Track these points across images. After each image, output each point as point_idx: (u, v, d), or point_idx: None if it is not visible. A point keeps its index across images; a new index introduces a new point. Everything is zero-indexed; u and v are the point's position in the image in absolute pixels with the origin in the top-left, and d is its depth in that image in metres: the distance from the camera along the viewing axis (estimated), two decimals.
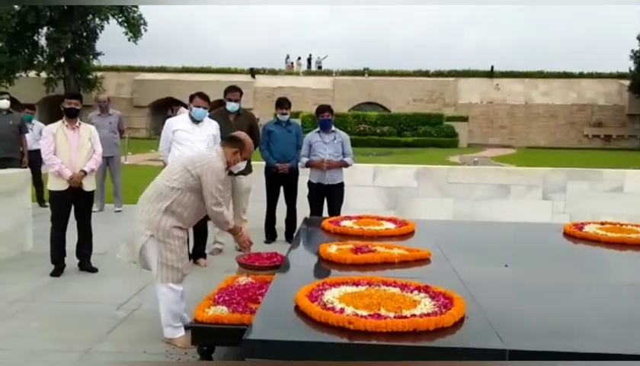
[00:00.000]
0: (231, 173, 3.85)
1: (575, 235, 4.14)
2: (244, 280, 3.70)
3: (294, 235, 5.46)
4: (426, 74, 38.30)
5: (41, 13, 26.58)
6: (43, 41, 28.94)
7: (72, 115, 5.15)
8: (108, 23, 29.24)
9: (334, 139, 6.21)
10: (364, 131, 29.37)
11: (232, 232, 3.83)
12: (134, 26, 28.99)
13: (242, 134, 3.83)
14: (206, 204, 3.56)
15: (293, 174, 6.46)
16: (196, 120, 5.23)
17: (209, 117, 5.43)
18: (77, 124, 5.19)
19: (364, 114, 31.34)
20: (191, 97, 5.23)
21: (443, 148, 27.74)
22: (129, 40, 29.23)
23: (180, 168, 3.59)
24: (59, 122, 5.18)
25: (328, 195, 6.20)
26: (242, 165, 3.77)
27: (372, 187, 7.58)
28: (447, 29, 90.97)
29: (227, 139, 3.82)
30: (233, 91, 5.86)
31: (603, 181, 7.48)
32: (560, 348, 2.18)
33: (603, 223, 4.41)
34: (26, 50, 28.49)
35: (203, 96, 5.20)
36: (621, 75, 35.91)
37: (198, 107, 5.15)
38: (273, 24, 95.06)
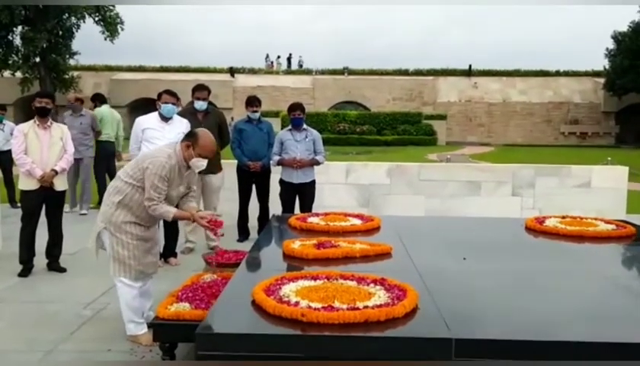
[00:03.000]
0: (188, 169, 3.76)
1: (536, 229, 4.23)
2: (209, 277, 3.72)
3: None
4: (405, 73, 38.56)
5: (15, 12, 26.17)
6: (17, 40, 28.51)
7: (43, 114, 5.12)
8: (84, 22, 28.90)
9: (306, 137, 6.25)
10: (344, 130, 29.46)
11: (182, 218, 3.70)
12: (111, 25, 28.65)
13: (202, 130, 3.64)
14: None
15: (265, 172, 6.48)
16: (165, 118, 5.23)
17: (178, 115, 5.43)
18: (48, 124, 5.16)
19: (344, 113, 31.43)
20: (159, 95, 5.22)
21: (422, 146, 27.92)
22: (105, 38, 28.90)
23: (134, 163, 3.59)
24: (31, 121, 5.16)
25: (300, 193, 6.25)
26: (202, 164, 3.58)
27: (345, 184, 7.64)
28: (427, 29, 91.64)
29: (186, 134, 3.76)
30: (201, 90, 5.86)
31: (571, 176, 7.63)
32: (508, 336, 2.25)
33: (563, 217, 4.51)
34: (0, 50, 28.04)
35: (170, 92, 5.20)
36: (596, 73, 36.54)
37: (166, 103, 5.15)
38: (254, 23, 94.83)
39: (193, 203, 3.76)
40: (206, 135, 3.58)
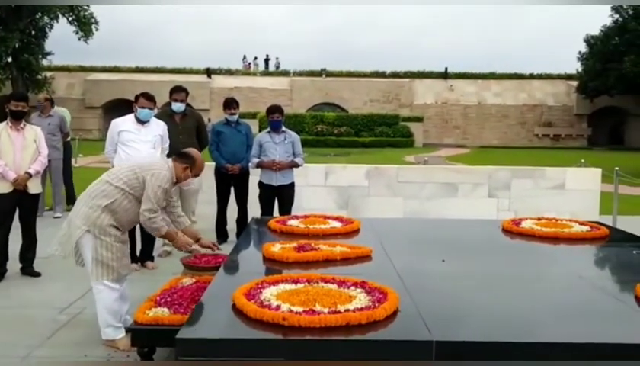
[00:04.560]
0: (174, 184, 3.81)
1: (513, 230, 4.30)
2: (187, 281, 3.70)
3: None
4: (382, 75, 38.75)
5: None
6: None
7: (18, 117, 5.05)
8: (57, 22, 28.41)
9: (285, 139, 6.24)
10: (322, 132, 29.49)
11: (166, 237, 3.78)
12: (85, 25, 28.23)
13: (194, 151, 3.85)
14: (141, 207, 3.51)
15: (244, 174, 6.45)
16: (142, 121, 5.16)
17: (155, 117, 5.37)
18: (22, 126, 5.09)
19: (322, 115, 31.45)
20: (136, 98, 5.15)
21: (399, 148, 28.12)
22: (79, 39, 28.46)
23: (129, 170, 3.59)
24: (4, 123, 5.07)
25: (279, 195, 6.22)
26: (192, 182, 3.78)
27: (325, 186, 7.64)
28: (404, 31, 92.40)
29: (179, 154, 3.82)
30: (178, 92, 5.80)
31: (545, 178, 7.75)
32: (487, 338, 2.27)
33: (539, 219, 4.59)
34: None
35: (147, 96, 5.13)
36: (569, 76, 37.22)
37: (143, 108, 5.08)
38: (231, 23, 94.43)
39: (184, 218, 3.91)
40: (199, 156, 3.80)
